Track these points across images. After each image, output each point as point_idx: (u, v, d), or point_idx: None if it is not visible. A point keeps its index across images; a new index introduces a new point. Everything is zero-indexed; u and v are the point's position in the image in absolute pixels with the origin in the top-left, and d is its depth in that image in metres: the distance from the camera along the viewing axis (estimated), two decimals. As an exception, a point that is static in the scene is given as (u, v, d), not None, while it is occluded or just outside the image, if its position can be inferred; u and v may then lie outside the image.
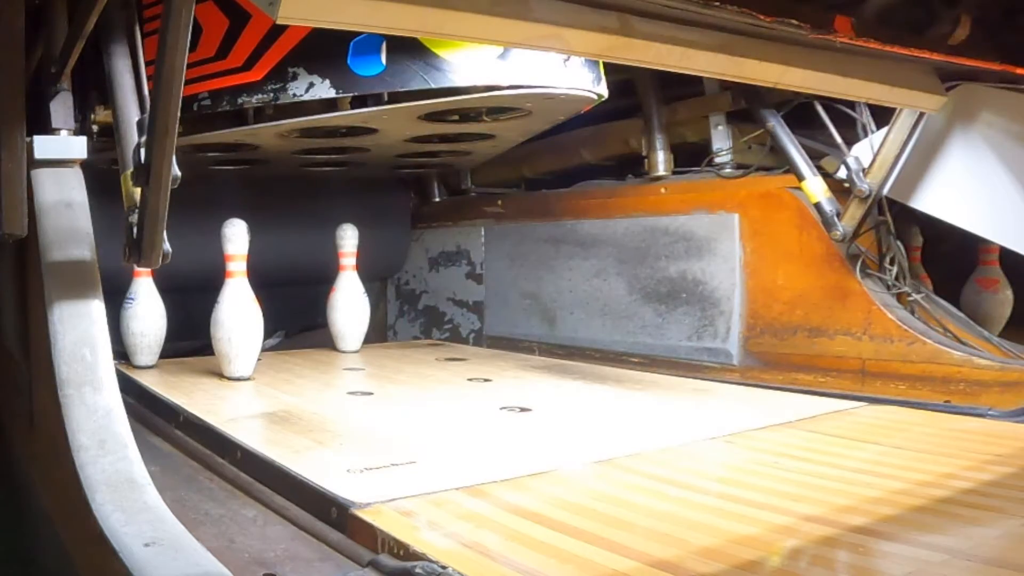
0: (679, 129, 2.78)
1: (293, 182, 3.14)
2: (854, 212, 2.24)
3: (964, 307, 2.58)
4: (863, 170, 2.22)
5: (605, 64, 2.23)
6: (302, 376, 2.41)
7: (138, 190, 1.41)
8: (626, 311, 2.78)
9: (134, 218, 1.44)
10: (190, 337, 3.05)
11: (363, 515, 1.18)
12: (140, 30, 1.61)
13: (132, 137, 1.44)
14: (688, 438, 1.69)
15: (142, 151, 1.37)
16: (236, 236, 2.37)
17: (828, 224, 2.26)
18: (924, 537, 1.15)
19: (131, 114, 1.50)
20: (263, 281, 2.66)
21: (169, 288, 2.54)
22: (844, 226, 2.23)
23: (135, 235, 1.45)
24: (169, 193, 1.38)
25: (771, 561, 1.08)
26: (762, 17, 1.49)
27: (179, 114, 1.29)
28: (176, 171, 1.35)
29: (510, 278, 3.16)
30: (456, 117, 2.30)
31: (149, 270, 2.44)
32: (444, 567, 1.00)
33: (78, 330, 1.48)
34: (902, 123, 2.15)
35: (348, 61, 1.96)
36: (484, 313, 3.28)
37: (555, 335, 3.00)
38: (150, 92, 1.40)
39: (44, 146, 1.70)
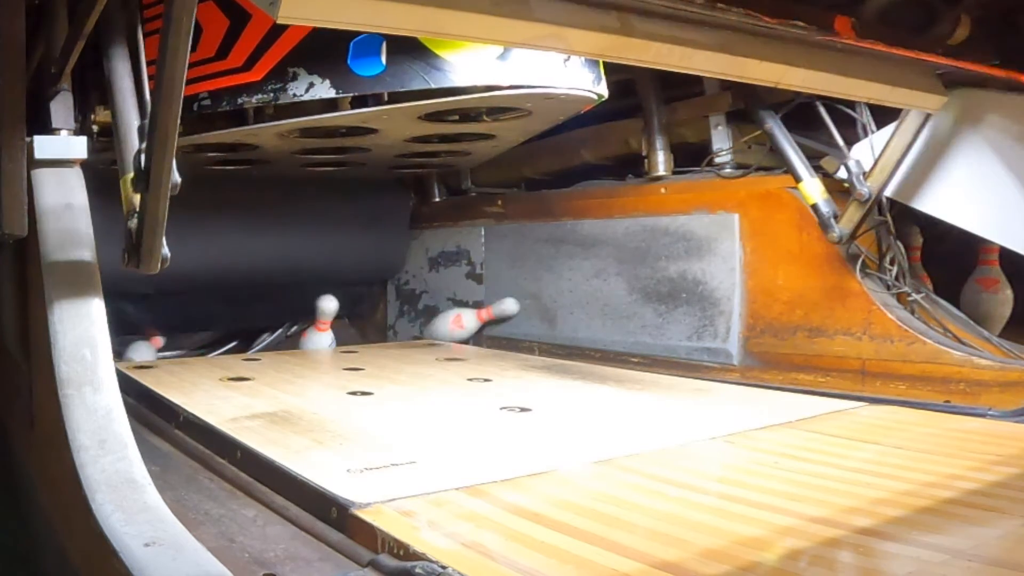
0: (679, 129, 2.77)
1: (293, 182, 3.14)
2: (852, 215, 2.23)
3: (964, 307, 2.58)
4: (863, 173, 2.22)
5: (605, 64, 2.23)
6: (302, 376, 2.41)
7: (137, 195, 1.41)
8: (626, 311, 2.78)
9: (133, 223, 1.44)
10: (189, 337, 3.05)
11: (363, 515, 1.18)
12: (141, 30, 1.61)
13: (132, 143, 1.44)
14: (688, 438, 1.69)
15: (142, 157, 1.37)
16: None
17: (824, 226, 2.26)
18: (925, 537, 1.15)
19: (131, 119, 1.49)
20: (262, 281, 2.66)
21: (169, 289, 2.54)
22: (840, 228, 2.23)
23: (134, 240, 1.45)
24: (169, 199, 1.38)
25: (771, 561, 1.08)
26: (763, 18, 1.49)
27: (179, 120, 1.29)
28: (176, 177, 1.35)
29: (510, 278, 3.16)
30: (456, 117, 2.30)
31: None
32: (444, 567, 1.00)
33: (78, 330, 1.47)
34: (906, 127, 2.14)
35: (348, 61, 1.96)
36: (484, 313, 3.27)
37: (555, 335, 3.00)
38: (151, 94, 1.39)
39: (44, 146, 1.69)
